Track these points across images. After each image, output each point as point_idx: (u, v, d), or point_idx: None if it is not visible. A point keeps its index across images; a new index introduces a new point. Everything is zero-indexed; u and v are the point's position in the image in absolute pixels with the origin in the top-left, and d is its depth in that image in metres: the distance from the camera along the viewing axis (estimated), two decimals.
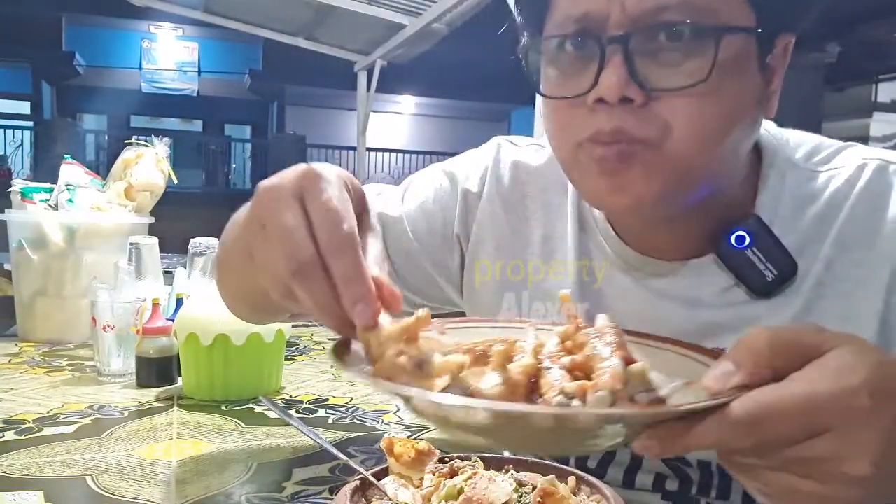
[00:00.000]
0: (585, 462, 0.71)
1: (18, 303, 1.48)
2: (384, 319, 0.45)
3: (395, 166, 14.51)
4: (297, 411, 0.98)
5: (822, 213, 0.63)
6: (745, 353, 0.40)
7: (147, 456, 0.79)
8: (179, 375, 1.08)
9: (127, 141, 1.65)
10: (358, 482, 0.57)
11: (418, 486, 0.57)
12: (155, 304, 1.10)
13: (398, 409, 0.99)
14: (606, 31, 0.55)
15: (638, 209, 0.59)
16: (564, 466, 0.61)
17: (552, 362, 0.45)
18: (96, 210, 1.51)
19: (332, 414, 0.97)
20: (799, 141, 0.68)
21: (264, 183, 0.51)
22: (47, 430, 0.87)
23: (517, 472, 0.59)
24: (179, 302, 1.20)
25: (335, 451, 0.70)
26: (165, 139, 1.65)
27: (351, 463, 0.67)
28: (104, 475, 0.73)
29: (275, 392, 1.08)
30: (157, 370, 1.09)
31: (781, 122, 0.69)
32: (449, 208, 0.78)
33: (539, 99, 0.62)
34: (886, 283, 0.60)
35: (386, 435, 0.67)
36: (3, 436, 0.85)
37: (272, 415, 0.95)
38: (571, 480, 0.58)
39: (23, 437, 0.85)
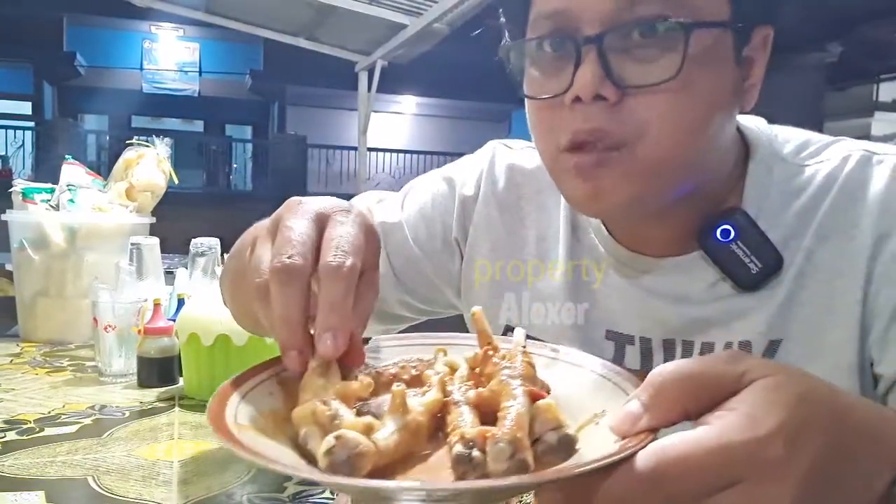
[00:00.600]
0: None
1: (20, 303, 1.48)
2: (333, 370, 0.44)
3: (396, 166, 14.51)
4: None
5: (806, 205, 0.63)
6: (653, 394, 0.38)
7: (148, 456, 0.79)
8: (181, 375, 1.08)
9: (128, 141, 1.65)
10: None
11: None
12: (156, 305, 1.10)
13: None
14: (581, 29, 0.56)
15: (619, 211, 0.59)
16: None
17: (463, 393, 0.43)
18: (97, 210, 1.52)
19: None
20: (788, 136, 0.68)
21: (295, 198, 0.50)
22: (48, 431, 0.87)
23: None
24: (181, 302, 1.20)
25: None
26: (166, 139, 1.65)
27: None
28: (105, 475, 0.73)
29: None
30: (158, 370, 1.09)
31: (783, 122, 0.69)
32: (447, 213, 0.79)
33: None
34: (865, 272, 0.60)
35: None
36: (5, 436, 0.85)
37: None
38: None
39: (24, 438, 0.85)
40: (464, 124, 14.83)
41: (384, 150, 14.28)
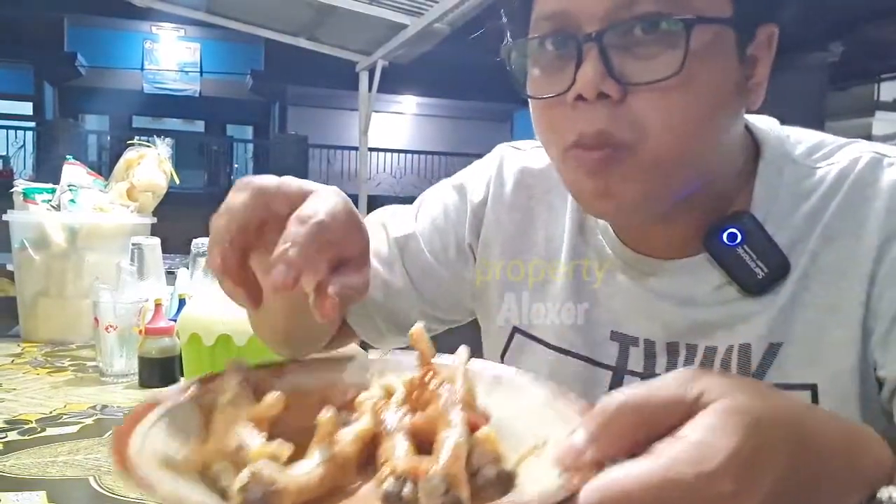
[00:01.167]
0: None
1: (21, 303, 1.48)
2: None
3: (397, 166, 14.51)
4: None
5: (815, 207, 0.63)
6: (601, 424, 0.36)
7: None
8: (182, 375, 1.08)
9: (129, 141, 1.66)
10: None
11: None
12: (157, 305, 1.10)
13: None
14: (582, 27, 0.55)
15: (625, 211, 0.59)
16: None
17: (399, 419, 0.40)
18: (98, 210, 1.52)
19: None
20: (800, 138, 0.68)
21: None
22: (50, 431, 0.87)
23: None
24: (181, 302, 1.20)
25: None
26: (167, 140, 1.66)
27: None
28: (107, 475, 0.73)
29: None
30: (159, 370, 1.09)
31: (784, 121, 0.69)
32: (460, 223, 0.78)
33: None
34: (869, 274, 0.60)
35: None
36: (6, 436, 0.85)
37: None
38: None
39: (25, 438, 0.85)
40: (465, 124, 14.83)
41: (385, 150, 14.27)
